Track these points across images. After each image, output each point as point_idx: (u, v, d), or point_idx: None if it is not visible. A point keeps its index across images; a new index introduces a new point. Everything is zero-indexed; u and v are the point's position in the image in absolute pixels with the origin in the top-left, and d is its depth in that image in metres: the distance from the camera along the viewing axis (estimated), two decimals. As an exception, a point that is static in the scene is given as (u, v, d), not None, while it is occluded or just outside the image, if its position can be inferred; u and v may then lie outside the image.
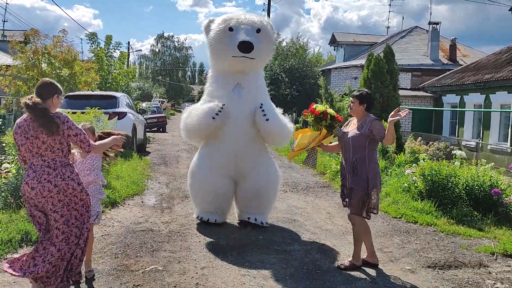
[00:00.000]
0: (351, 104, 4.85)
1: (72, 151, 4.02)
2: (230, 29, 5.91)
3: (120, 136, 4.19)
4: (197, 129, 5.92)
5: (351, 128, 4.82)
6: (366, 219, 4.79)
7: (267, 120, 5.71)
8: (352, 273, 4.67)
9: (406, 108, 17.98)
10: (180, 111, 65.32)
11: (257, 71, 6.28)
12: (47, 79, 3.87)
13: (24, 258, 3.72)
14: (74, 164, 4.15)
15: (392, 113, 4.67)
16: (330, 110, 5.02)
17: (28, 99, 3.61)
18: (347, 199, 4.80)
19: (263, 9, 28.16)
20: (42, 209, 3.68)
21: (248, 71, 6.06)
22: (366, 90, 4.96)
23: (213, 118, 5.66)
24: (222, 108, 5.69)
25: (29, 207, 3.71)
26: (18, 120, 3.71)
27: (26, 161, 3.70)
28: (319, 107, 5.01)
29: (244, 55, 5.78)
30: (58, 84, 3.82)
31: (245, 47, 5.72)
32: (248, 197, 6.11)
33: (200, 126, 5.85)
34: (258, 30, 5.94)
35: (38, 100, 3.60)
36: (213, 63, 6.31)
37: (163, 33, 78.28)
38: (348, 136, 4.79)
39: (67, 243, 3.70)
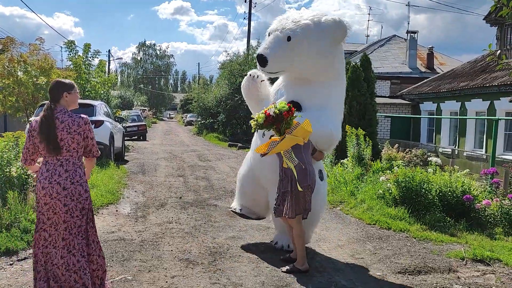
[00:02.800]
0: None
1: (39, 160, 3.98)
2: (269, 34, 5.40)
3: None
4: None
5: None
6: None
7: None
8: (323, 280, 4.69)
9: (384, 115, 18.18)
10: (162, 119, 65.08)
11: (311, 83, 5.35)
12: (54, 80, 3.95)
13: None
14: None
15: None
16: (276, 109, 4.71)
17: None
18: (280, 206, 4.84)
19: (244, 18, 28.24)
20: (48, 211, 3.71)
21: (299, 81, 5.40)
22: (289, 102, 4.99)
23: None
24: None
25: (39, 207, 3.76)
26: (36, 118, 3.78)
27: (33, 162, 3.81)
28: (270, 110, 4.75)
29: (261, 69, 5.37)
30: (65, 81, 3.91)
31: (259, 60, 5.21)
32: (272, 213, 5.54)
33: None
34: (289, 38, 5.12)
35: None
36: None
37: (144, 41, 78.17)
38: None
39: (69, 251, 3.71)
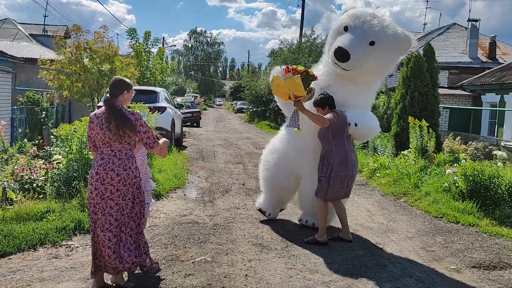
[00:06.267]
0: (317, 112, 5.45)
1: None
2: (346, 28, 5.39)
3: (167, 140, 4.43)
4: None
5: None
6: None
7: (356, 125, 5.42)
8: (397, 270, 4.73)
9: (443, 106, 17.69)
10: (212, 106, 65.88)
11: (358, 84, 5.55)
12: (117, 77, 4.18)
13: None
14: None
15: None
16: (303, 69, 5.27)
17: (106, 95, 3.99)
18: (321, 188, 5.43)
19: (298, 5, 27.96)
20: (98, 196, 3.90)
21: (348, 81, 5.53)
22: (321, 94, 5.47)
23: None
24: None
25: (90, 193, 3.95)
26: (96, 111, 4.01)
27: (97, 149, 3.99)
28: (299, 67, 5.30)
29: (337, 63, 5.28)
30: (127, 80, 4.14)
31: (340, 54, 5.19)
32: (303, 197, 6.14)
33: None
34: (372, 43, 5.24)
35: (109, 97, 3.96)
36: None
37: (196, 28, 79.13)
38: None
39: (121, 230, 3.93)
